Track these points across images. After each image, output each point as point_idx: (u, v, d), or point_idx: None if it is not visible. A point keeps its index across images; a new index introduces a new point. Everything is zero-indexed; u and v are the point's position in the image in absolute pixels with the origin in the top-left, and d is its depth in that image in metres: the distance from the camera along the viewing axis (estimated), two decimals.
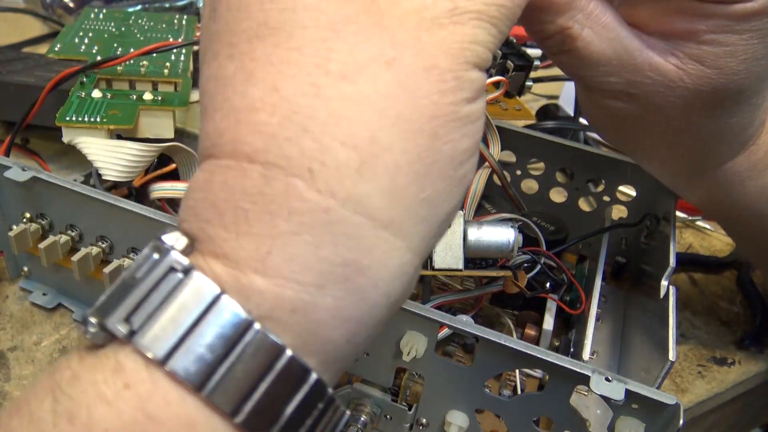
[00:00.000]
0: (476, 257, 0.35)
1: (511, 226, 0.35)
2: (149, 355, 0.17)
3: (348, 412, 0.20)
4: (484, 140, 0.42)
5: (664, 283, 0.35)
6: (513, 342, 0.28)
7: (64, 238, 0.37)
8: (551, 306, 0.38)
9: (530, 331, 0.39)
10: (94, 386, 0.17)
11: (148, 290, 0.17)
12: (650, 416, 0.28)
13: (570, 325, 0.40)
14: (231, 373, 0.17)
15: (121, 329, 0.17)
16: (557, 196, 0.46)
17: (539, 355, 0.28)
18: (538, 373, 0.37)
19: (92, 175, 0.40)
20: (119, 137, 0.41)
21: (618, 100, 0.28)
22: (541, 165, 0.45)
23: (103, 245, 0.37)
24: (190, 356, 0.17)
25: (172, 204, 0.40)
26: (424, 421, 0.33)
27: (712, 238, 0.53)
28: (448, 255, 0.34)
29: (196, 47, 0.49)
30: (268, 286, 0.17)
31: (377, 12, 0.18)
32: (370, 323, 0.19)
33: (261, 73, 0.18)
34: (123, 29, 0.53)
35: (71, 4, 0.75)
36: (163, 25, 0.55)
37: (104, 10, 0.57)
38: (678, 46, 0.27)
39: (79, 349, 0.18)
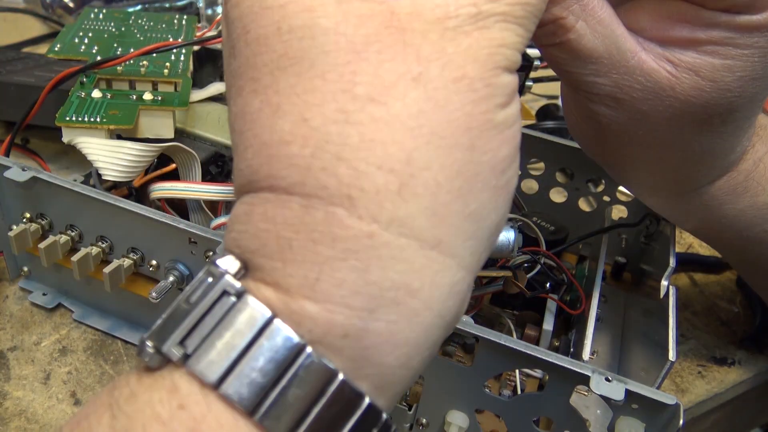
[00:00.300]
0: None
1: (511, 226, 0.35)
2: (203, 379, 0.17)
3: None
4: None
5: (664, 283, 0.35)
6: (513, 342, 0.28)
7: (64, 238, 0.37)
8: (551, 306, 0.38)
9: (530, 331, 0.39)
10: (150, 405, 0.17)
11: (202, 314, 0.18)
12: (650, 416, 0.28)
13: (570, 325, 0.40)
14: (283, 397, 0.17)
15: (176, 353, 0.17)
16: (557, 196, 0.46)
17: (539, 355, 0.28)
18: (538, 373, 0.37)
19: (92, 175, 0.40)
20: (119, 137, 0.41)
21: (604, 105, 0.28)
22: (541, 165, 0.45)
23: (103, 245, 0.37)
24: (243, 380, 0.17)
25: (171, 204, 0.40)
26: (424, 421, 0.33)
27: None
28: None
29: (196, 47, 0.49)
30: (320, 311, 0.17)
31: (398, 28, 0.18)
32: (425, 346, 0.19)
33: (287, 105, 0.18)
34: (123, 29, 0.53)
35: (71, 4, 0.75)
36: (163, 25, 0.55)
37: (104, 10, 0.57)
38: (675, 53, 0.26)
39: (137, 368, 0.18)
